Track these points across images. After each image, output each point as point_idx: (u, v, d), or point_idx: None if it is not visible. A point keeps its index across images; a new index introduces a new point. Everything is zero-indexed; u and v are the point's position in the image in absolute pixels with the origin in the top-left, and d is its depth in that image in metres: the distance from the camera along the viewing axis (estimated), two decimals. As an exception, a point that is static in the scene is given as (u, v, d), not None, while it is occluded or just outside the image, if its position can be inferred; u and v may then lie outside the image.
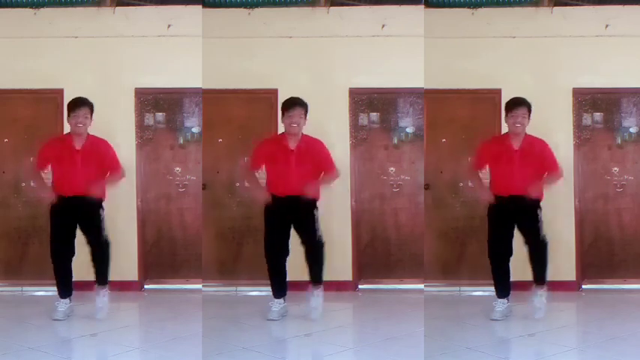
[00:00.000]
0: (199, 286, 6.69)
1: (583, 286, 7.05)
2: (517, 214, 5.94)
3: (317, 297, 5.98)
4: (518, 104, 5.98)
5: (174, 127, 7.16)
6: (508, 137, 6.04)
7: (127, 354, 5.27)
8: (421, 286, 6.71)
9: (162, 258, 7.15)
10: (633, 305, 6.64)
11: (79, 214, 5.98)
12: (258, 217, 7.07)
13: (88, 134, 6.02)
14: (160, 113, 7.16)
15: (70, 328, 6.05)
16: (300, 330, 5.71)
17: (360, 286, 7.13)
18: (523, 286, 6.93)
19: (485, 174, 6.11)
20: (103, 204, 6.02)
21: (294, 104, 5.99)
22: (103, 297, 6.02)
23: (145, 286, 7.09)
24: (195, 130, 7.12)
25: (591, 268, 7.08)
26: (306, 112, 6.02)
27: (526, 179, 5.88)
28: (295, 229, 6.02)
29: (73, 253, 6.03)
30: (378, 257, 7.18)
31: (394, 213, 7.20)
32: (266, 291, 6.77)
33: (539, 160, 5.98)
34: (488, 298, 6.07)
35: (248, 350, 5.31)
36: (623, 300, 6.83)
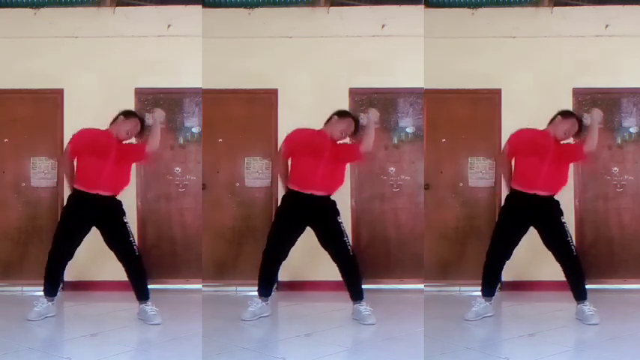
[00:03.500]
0: (199, 286, 6.69)
1: (583, 286, 7.04)
2: (536, 215, 5.84)
3: (364, 307, 5.89)
4: (573, 116, 5.92)
5: (174, 127, 7.16)
6: (549, 133, 5.89)
7: (127, 354, 5.27)
8: (421, 286, 6.71)
9: (162, 258, 7.15)
10: (633, 305, 6.63)
11: (99, 217, 5.80)
12: (258, 217, 7.12)
13: None
14: (160, 113, 7.15)
15: (70, 328, 6.05)
16: (300, 330, 5.70)
17: (360, 286, 7.12)
18: (525, 286, 6.97)
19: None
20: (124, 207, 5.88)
21: (349, 115, 5.97)
22: (150, 309, 5.85)
23: (145, 286, 7.07)
24: (195, 130, 7.13)
25: (591, 268, 7.06)
26: (356, 130, 5.96)
27: (555, 178, 5.81)
28: (324, 244, 5.92)
29: (71, 257, 5.91)
30: (378, 257, 7.18)
31: (394, 213, 7.20)
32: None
33: (567, 153, 5.90)
34: (489, 298, 6.05)
35: (248, 350, 5.31)
36: (623, 300, 6.83)
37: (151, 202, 7.15)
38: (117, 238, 5.87)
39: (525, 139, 5.90)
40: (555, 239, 5.87)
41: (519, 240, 5.93)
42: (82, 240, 5.89)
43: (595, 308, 5.86)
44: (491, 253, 5.95)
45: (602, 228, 7.15)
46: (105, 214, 5.82)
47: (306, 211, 5.86)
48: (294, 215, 5.89)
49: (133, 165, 6.10)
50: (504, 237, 5.94)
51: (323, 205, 5.87)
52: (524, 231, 5.92)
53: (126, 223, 5.87)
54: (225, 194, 7.17)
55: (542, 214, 5.84)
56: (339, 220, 5.91)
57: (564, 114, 5.93)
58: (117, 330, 5.76)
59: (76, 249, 5.89)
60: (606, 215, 7.15)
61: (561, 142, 5.90)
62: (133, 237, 5.90)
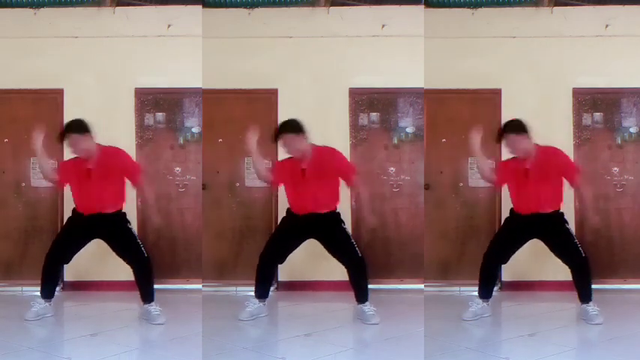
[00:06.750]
0: (199, 286, 6.70)
1: (583, 286, 7.04)
2: (539, 229, 5.85)
3: (368, 307, 5.90)
4: (511, 131, 5.80)
5: (174, 127, 7.16)
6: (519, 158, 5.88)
7: (127, 354, 5.27)
8: (421, 286, 6.71)
9: (163, 258, 7.14)
10: (633, 305, 6.64)
11: (102, 233, 5.86)
12: (258, 217, 7.12)
13: (99, 145, 5.84)
14: (160, 113, 7.16)
15: (70, 328, 6.05)
16: (300, 330, 5.71)
17: (360, 286, 7.12)
18: (525, 286, 6.97)
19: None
20: (128, 217, 5.94)
21: (283, 131, 5.84)
22: (154, 309, 5.87)
23: (145, 286, 7.07)
24: (195, 130, 7.13)
25: (591, 268, 7.06)
26: (303, 133, 5.82)
27: (545, 196, 5.80)
28: (331, 252, 5.93)
29: (67, 262, 5.98)
30: (378, 257, 7.18)
31: (394, 213, 7.20)
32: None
33: (555, 169, 5.86)
34: (489, 298, 6.06)
35: (248, 350, 5.31)
36: (623, 300, 6.83)
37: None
38: (120, 244, 5.91)
39: (505, 166, 5.98)
40: (564, 248, 5.90)
41: (518, 248, 5.95)
42: (80, 248, 5.95)
43: (599, 308, 5.85)
44: (488, 256, 5.97)
45: (602, 228, 7.14)
46: (109, 228, 5.87)
47: (309, 227, 5.89)
48: (295, 229, 5.93)
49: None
50: (503, 243, 5.96)
51: (325, 219, 5.89)
52: (525, 241, 5.94)
53: (130, 228, 5.93)
54: (225, 194, 7.17)
55: (546, 227, 5.87)
56: (344, 226, 5.95)
57: (515, 130, 5.80)
58: (117, 330, 5.76)
59: (73, 255, 5.94)
60: (606, 215, 7.14)
61: (536, 147, 5.83)
62: (138, 241, 5.94)
